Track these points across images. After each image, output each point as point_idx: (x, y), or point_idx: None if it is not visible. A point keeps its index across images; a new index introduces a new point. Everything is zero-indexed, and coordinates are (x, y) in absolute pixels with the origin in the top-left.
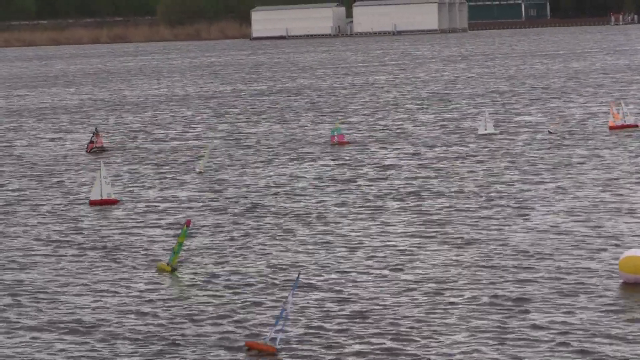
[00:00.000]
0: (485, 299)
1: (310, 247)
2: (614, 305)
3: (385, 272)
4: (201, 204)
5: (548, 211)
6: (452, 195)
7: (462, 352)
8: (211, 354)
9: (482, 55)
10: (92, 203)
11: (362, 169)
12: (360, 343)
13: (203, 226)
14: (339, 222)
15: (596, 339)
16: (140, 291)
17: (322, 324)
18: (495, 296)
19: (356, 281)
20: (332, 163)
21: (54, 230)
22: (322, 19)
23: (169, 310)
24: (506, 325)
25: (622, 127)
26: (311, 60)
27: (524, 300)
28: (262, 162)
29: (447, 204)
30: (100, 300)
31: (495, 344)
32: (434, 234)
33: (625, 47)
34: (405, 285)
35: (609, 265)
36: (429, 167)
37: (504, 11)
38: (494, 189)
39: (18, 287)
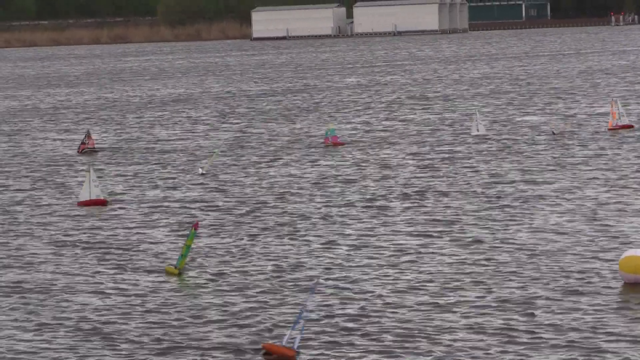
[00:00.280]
0: (488, 299)
1: (318, 247)
2: (616, 305)
3: (389, 271)
4: (205, 204)
5: (551, 211)
6: (456, 195)
7: (467, 351)
8: (225, 356)
9: (485, 55)
10: (81, 204)
11: (362, 169)
12: (368, 342)
13: (209, 226)
14: (341, 222)
15: (598, 338)
16: (146, 293)
17: (329, 324)
18: (499, 296)
19: (361, 280)
20: (328, 163)
21: (54, 231)
22: (322, 20)
23: (177, 312)
24: (509, 325)
25: (618, 127)
26: (311, 60)
27: (527, 300)
28: (261, 162)
29: (451, 204)
30: (105, 302)
31: (498, 343)
32: (438, 234)
33: (628, 47)
34: (406, 284)
35: (613, 265)
36: (429, 167)
37: (505, 11)
38: (497, 189)
39: (22, 287)
